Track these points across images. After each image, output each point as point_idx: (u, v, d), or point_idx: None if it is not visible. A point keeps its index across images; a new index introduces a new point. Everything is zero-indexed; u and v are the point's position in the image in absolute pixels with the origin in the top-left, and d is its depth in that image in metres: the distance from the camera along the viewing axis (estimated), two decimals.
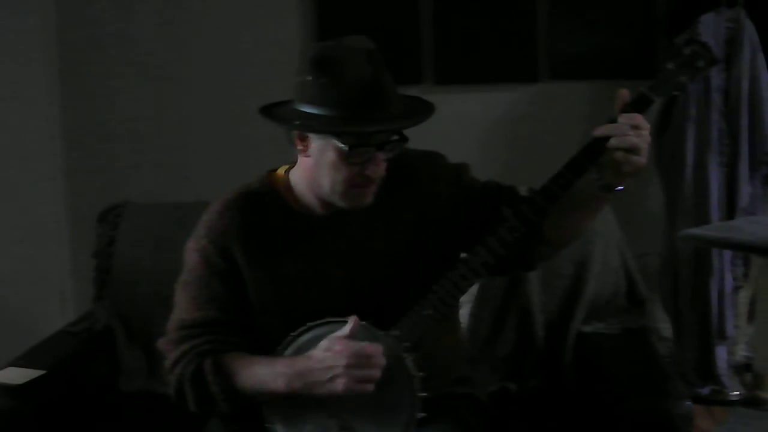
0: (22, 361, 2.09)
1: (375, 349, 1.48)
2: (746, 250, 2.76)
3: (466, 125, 3.27)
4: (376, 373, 1.47)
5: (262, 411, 1.57)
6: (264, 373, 1.54)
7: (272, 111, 1.58)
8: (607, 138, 1.44)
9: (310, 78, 1.49)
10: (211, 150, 3.44)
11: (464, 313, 2.22)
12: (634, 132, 1.43)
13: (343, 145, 1.49)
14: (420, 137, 1.60)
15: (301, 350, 1.55)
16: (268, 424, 1.57)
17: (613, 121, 1.45)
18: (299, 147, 1.56)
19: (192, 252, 1.63)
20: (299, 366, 1.51)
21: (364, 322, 1.53)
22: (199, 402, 1.58)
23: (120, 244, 2.38)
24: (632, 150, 1.42)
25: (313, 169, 1.56)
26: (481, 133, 3.35)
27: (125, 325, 2.35)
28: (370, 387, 1.48)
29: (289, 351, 1.56)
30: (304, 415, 1.54)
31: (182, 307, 1.63)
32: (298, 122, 1.51)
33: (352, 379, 1.46)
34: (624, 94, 1.48)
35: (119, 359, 2.33)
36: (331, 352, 1.48)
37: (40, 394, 1.99)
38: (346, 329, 1.50)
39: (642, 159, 1.43)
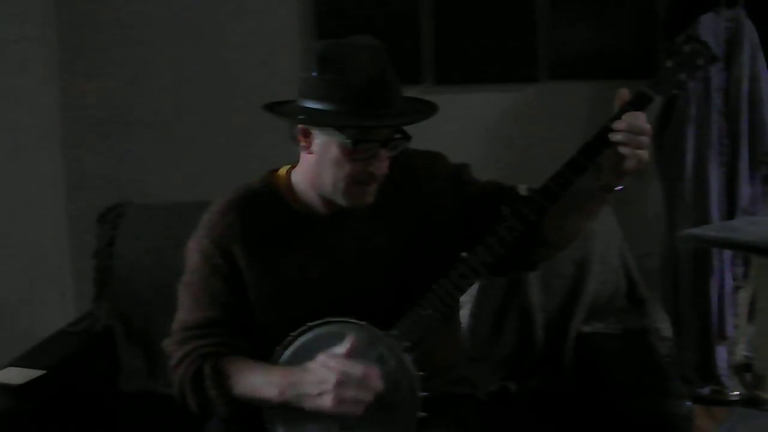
0: (22, 361, 2.09)
1: (370, 373, 1.46)
2: (746, 250, 2.76)
3: (466, 125, 3.27)
4: (367, 396, 1.46)
5: (262, 412, 1.57)
6: (259, 381, 1.54)
7: (276, 108, 1.58)
8: (606, 137, 1.45)
9: (315, 74, 1.49)
10: (212, 150, 3.44)
11: (464, 313, 2.22)
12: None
13: (347, 141, 1.49)
14: (421, 137, 1.60)
15: (301, 351, 1.55)
16: (268, 425, 1.56)
17: (614, 119, 1.46)
18: (302, 143, 1.56)
19: (194, 252, 1.63)
20: (293, 377, 1.51)
21: (364, 322, 1.53)
22: (199, 403, 1.59)
23: (120, 244, 2.38)
24: (638, 145, 1.43)
25: (315, 166, 1.56)
26: (481, 133, 3.35)
27: (125, 325, 2.35)
28: (358, 410, 1.46)
29: (288, 351, 1.56)
30: (304, 416, 1.53)
31: (185, 307, 1.63)
32: (302, 117, 1.51)
33: (340, 399, 1.45)
34: (624, 93, 1.48)
35: (119, 359, 2.33)
36: (326, 368, 1.47)
37: (40, 394, 1.99)
38: (344, 347, 1.48)
39: (645, 154, 1.44)
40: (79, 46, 3.40)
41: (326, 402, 1.46)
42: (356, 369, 1.45)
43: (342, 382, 1.44)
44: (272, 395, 1.52)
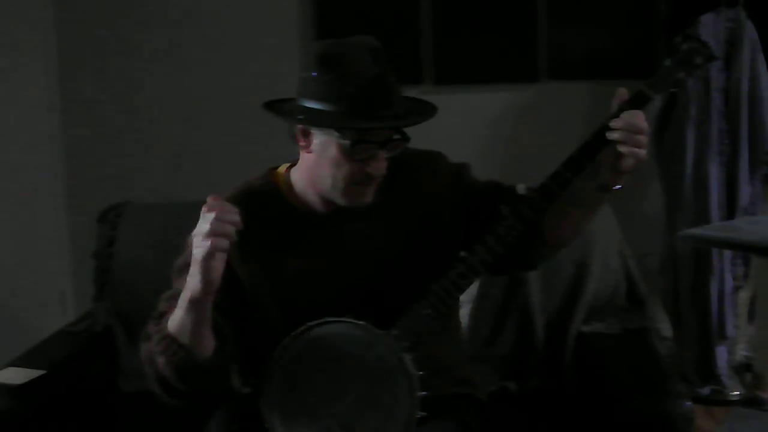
0: (22, 361, 2.09)
1: (212, 206, 1.39)
2: (746, 250, 2.76)
3: (466, 125, 3.27)
4: (210, 224, 1.37)
5: (261, 411, 1.57)
6: (180, 304, 1.47)
7: (276, 107, 1.59)
8: (605, 135, 1.45)
9: (315, 74, 1.50)
10: (212, 150, 3.44)
11: (464, 313, 2.22)
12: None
13: (345, 141, 1.49)
14: (420, 137, 1.60)
15: (301, 352, 1.54)
16: (267, 425, 1.56)
17: (612, 118, 1.46)
18: (301, 143, 1.57)
19: (189, 241, 1.62)
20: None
21: (363, 322, 1.53)
22: (149, 368, 1.52)
23: (120, 244, 2.38)
24: (636, 144, 1.44)
25: (314, 166, 1.56)
26: (481, 133, 3.35)
27: (125, 325, 2.35)
28: (213, 242, 1.37)
29: (288, 353, 1.55)
30: (304, 415, 1.54)
31: (170, 290, 1.59)
32: (301, 117, 1.51)
33: (200, 249, 1.38)
34: (622, 92, 1.49)
35: (119, 359, 2.33)
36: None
37: (40, 394, 1.99)
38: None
39: (644, 152, 1.45)
40: (80, 47, 3.41)
41: (197, 261, 1.39)
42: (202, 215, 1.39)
43: (197, 233, 1.39)
44: (186, 301, 1.44)
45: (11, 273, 3.10)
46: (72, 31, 3.40)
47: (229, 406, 1.70)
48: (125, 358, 2.33)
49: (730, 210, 3.03)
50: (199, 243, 1.39)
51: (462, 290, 1.57)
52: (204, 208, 1.40)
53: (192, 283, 1.42)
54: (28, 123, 3.27)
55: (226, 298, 1.55)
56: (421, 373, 1.52)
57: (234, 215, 1.40)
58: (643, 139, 1.44)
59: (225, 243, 1.39)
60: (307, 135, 1.55)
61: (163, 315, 1.53)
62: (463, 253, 1.56)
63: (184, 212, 2.09)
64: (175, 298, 1.53)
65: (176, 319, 1.47)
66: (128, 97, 3.44)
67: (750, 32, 2.96)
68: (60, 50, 3.41)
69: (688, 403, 1.82)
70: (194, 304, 1.43)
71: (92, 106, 3.44)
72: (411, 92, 1.59)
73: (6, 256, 3.08)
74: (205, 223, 1.38)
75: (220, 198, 1.42)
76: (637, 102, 1.47)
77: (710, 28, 2.96)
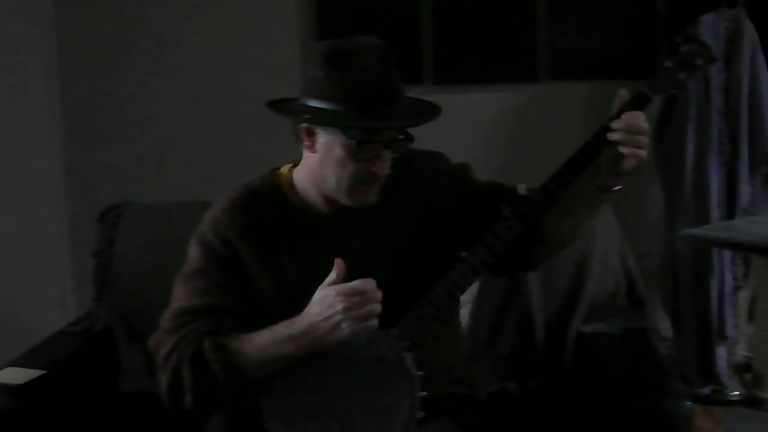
0: (22, 361, 2.09)
1: (367, 284, 1.44)
2: (746, 250, 2.76)
3: (466, 125, 3.27)
4: (376, 307, 1.43)
5: (261, 411, 1.57)
6: (267, 342, 1.50)
7: (280, 106, 1.59)
8: (605, 136, 1.45)
9: (320, 73, 1.50)
10: (212, 150, 3.44)
11: (464, 313, 2.22)
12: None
13: (351, 141, 1.49)
14: (421, 137, 1.60)
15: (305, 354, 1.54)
16: (268, 425, 1.56)
17: (613, 119, 1.46)
18: (306, 142, 1.56)
19: (195, 245, 1.62)
20: (300, 325, 1.48)
21: None
22: (198, 388, 1.52)
23: (120, 244, 2.38)
24: (637, 144, 1.45)
25: (318, 165, 1.56)
26: (481, 133, 3.35)
27: (125, 325, 2.35)
28: (374, 323, 1.44)
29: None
30: (304, 415, 1.54)
31: (181, 297, 1.60)
32: (307, 116, 1.51)
33: (353, 320, 1.43)
34: (623, 93, 1.49)
35: (119, 359, 2.33)
36: (326, 302, 1.45)
37: (40, 394, 1.99)
38: (333, 275, 1.46)
39: (645, 153, 1.46)
40: (79, 47, 3.40)
41: (343, 331, 1.44)
42: (354, 286, 1.43)
43: (348, 306, 1.43)
44: (287, 350, 1.48)
45: (11, 273, 3.10)
46: (73, 32, 3.39)
47: (229, 406, 1.70)
48: (125, 358, 2.33)
49: (730, 210, 3.03)
50: (346, 318, 1.43)
51: (462, 290, 1.57)
52: (357, 285, 1.43)
53: (320, 340, 1.46)
54: (28, 123, 3.27)
55: (237, 295, 1.57)
56: (421, 373, 1.52)
57: (379, 294, 1.44)
58: (643, 139, 1.45)
59: (375, 323, 1.44)
60: (311, 134, 1.55)
61: (211, 335, 1.52)
62: (463, 254, 1.56)
63: (184, 212, 2.12)
64: (193, 312, 1.56)
65: (258, 355, 1.50)
66: (128, 97, 3.43)
67: (750, 32, 2.96)
68: (61, 51, 3.40)
69: (688, 403, 1.83)
70: (302, 351, 1.48)
71: (92, 106, 3.44)
72: (411, 92, 1.59)
73: (6, 256, 3.08)
74: (360, 304, 1.43)
75: (343, 264, 1.46)
76: (637, 103, 1.48)
77: (710, 28, 2.96)
